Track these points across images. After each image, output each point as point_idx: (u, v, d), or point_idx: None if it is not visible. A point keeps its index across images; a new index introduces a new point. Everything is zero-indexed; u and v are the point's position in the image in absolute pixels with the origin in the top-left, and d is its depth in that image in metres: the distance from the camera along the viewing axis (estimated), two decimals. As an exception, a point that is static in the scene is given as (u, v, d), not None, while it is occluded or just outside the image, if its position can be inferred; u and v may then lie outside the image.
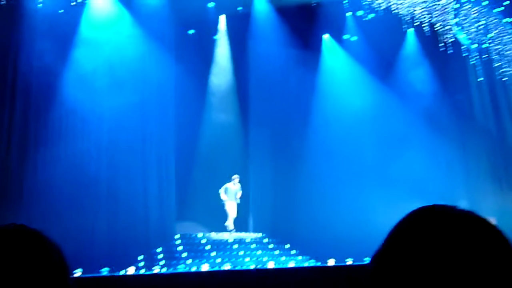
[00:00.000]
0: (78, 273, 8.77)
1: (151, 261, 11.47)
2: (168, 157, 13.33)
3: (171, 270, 10.60)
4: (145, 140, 12.98)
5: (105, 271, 8.94)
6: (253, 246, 12.59)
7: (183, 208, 13.67)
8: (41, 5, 11.57)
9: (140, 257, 11.57)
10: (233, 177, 13.52)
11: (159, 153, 13.19)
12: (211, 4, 14.96)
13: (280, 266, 11.22)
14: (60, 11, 11.75)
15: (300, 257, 12.65)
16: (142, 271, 10.64)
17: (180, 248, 12.04)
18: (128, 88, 12.63)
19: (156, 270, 10.08)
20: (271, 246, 13.12)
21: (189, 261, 11.39)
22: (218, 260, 11.52)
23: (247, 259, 11.77)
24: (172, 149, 13.46)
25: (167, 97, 13.52)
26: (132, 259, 11.21)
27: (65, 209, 11.12)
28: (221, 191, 13.39)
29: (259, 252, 12.35)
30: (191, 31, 15.21)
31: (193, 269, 10.81)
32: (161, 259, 11.56)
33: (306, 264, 11.69)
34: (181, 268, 10.80)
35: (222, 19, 15.44)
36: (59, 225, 10.51)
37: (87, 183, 11.59)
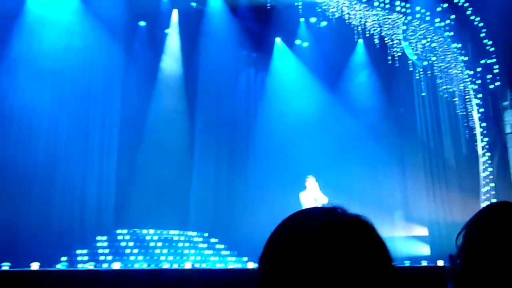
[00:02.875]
0: (5, 267, 8.33)
1: (87, 256, 11.09)
2: (111, 151, 12.97)
3: (107, 267, 10.28)
4: (88, 132, 12.57)
5: (35, 265, 8.52)
6: (196, 245, 12.43)
7: (123, 202, 13.31)
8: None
9: (76, 252, 11.16)
10: (307, 179, 10.79)
11: (101, 146, 12.81)
12: (164, -2, 14.73)
13: (222, 266, 11.15)
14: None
15: (240, 258, 12.61)
16: (78, 266, 10.26)
17: (123, 243, 11.68)
18: (72, 76, 12.21)
19: (91, 266, 9.73)
20: (211, 245, 13.01)
21: (132, 258, 11.10)
22: (162, 258, 11.29)
23: (192, 257, 11.61)
24: (115, 143, 13.10)
25: (113, 88, 13.17)
26: (66, 253, 10.79)
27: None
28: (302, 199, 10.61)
29: (203, 251, 12.22)
30: (142, 23, 14.91)
31: (136, 265, 10.57)
32: (97, 255, 11.19)
33: (246, 266, 11.65)
34: (119, 265, 10.49)
35: (175, 14, 15.19)
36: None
37: (21, 174, 11.05)
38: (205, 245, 12.79)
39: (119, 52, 13.34)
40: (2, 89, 11.17)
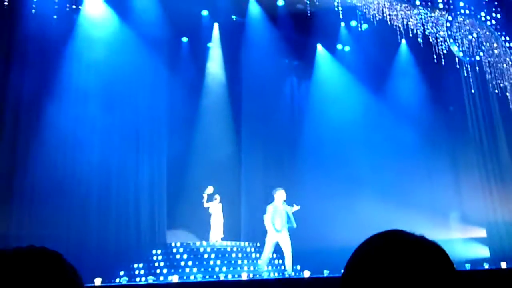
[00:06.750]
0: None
1: (144, 269, 11.36)
2: (160, 165, 13.25)
3: (163, 280, 10.47)
4: (138, 148, 12.90)
5: (98, 281, 8.78)
6: (249, 255, 12.50)
7: (175, 216, 13.59)
8: (34, 10, 11.43)
9: (134, 266, 11.46)
10: (275, 192, 10.86)
11: (151, 161, 13.11)
12: (205, 12, 14.99)
13: (276, 276, 11.14)
14: (54, 17, 11.62)
15: (293, 267, 12.53)
16: (137, 280, 10.52)
17: (178, 256, 11.89)
18: (121, 96, 12.57)
19: (150, 279, 9.93)
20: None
21: (187, 270, 11.27)
22: (217, 269, 11.41)
23: (245, 268, 11.65)
24: (164, 157, 13.38)
25: (160, 105, 13.48)
26: (124, 268, 11.09)
27: (55, 218, 10.96)
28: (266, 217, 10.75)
29: (256, 261, 12.27)
30: (184, 39, 15.23)
31: (192, 277, 10.72)
32: (154, 268, 11.43)
33: (301, 274, 11.58)
34: (177, 278, 10.65)
35: (216, 27, 15.44)
36: (49, 234, 10.40)
37: (77, 192, 11.45)
38: (258, 255, 12.81)
39: (164, 69, 13.66)
40: (56, 111, 11.62)
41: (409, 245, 1.02)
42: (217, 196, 12.81)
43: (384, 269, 0.98)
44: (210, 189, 12.58)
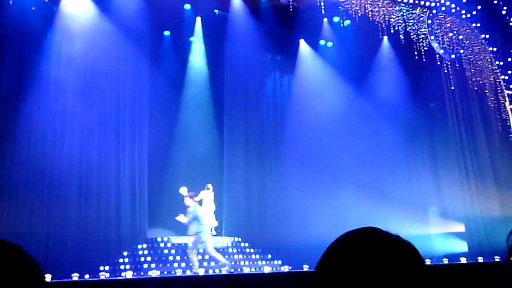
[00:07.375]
0: (47, 278, 8.50)
1: (124, 265, 11.28)
2: (142, 160, 13.13)
3: (143, 275, 10.41)
4: (119, 142, 12.77)
5: (75, 276, 8.71)
6: (230, 250, 12.51)
7: (156, 211, 13.48)
8: (11, 1, 11.22)
9: (113, 261, 11.35)
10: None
11: (132, 156, 12.98)
12: (187, 6, 14.87)
13: (256, 271, 11.16)
14: (32, 8, 11.42)
15: (273, 262, 12.60)
16: (117, 274, 10.44)
17: (159, 251, 11.84)
18: (102, 89, 12.43)
19: (128, 275, 9.86)
20: (247, 250, 13.06)
21: (168, 265, 11.24)
22: (196, 264, 11.35)
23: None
24: (146, 151, 13.26)
25: (141, 99, 13.36)
26: (103, 264, 10.98)
27: (35, 213, 10.83)
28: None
29: (236, 256, 12.27)
30: (166, 33, 15.10)
31: (174, 272, 10.68)
32: (132, 263, 11.36)
33: (281, 269, 11.63)
34: (158, 272, 10.61)
35: (198, 21, 15.33)
36: (29, 229, 10.27)
37: (57, 187, 11.29)
38: (239, 250, 12.84)
39: (146, 63, 13.53)
40: (35, 103, 11.44)
41: (380, 243, 1.02)
42: (209, 186, 12.57)
43: (353, 267, 0.98)
44: (183, 190, 12.05)
